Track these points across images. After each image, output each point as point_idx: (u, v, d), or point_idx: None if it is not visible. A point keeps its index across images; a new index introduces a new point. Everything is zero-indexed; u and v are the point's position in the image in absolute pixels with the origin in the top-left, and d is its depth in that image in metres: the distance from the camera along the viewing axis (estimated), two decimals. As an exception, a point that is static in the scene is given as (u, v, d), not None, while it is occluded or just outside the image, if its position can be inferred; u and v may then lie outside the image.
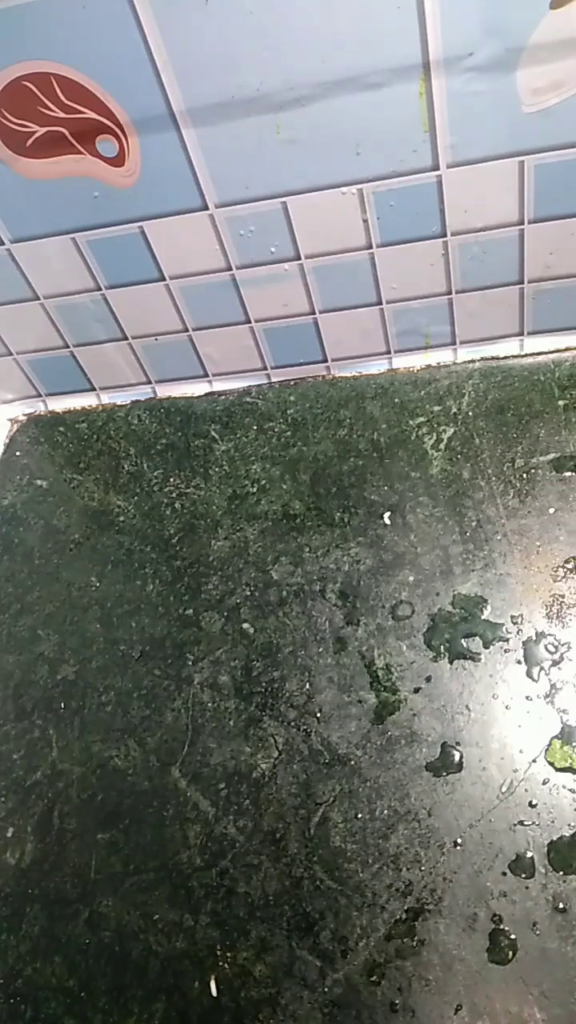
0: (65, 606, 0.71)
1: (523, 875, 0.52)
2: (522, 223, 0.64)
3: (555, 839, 0.52)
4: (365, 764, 0.57)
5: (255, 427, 0.77)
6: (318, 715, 0.60)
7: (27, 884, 0.59)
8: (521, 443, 0.69)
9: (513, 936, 0.50)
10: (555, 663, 0.58)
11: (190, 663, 0.65)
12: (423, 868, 0.53)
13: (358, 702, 0.60)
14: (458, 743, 0.57)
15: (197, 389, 0.83)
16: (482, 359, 0.75)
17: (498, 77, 0.54)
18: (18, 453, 0.84)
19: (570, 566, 0.62)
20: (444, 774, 0.56)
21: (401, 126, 0.57)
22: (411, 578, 0.64)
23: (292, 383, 0.80)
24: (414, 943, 0.51)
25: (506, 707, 0.57)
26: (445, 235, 0.65)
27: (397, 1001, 0.50)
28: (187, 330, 0.76)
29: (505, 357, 0.75)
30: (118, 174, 0.61)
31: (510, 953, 0.50)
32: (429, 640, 0.61)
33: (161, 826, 0.59)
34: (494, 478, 0.68)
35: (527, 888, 0.51)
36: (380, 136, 0.57)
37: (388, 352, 0.77)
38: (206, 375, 0.81)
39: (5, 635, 0.71)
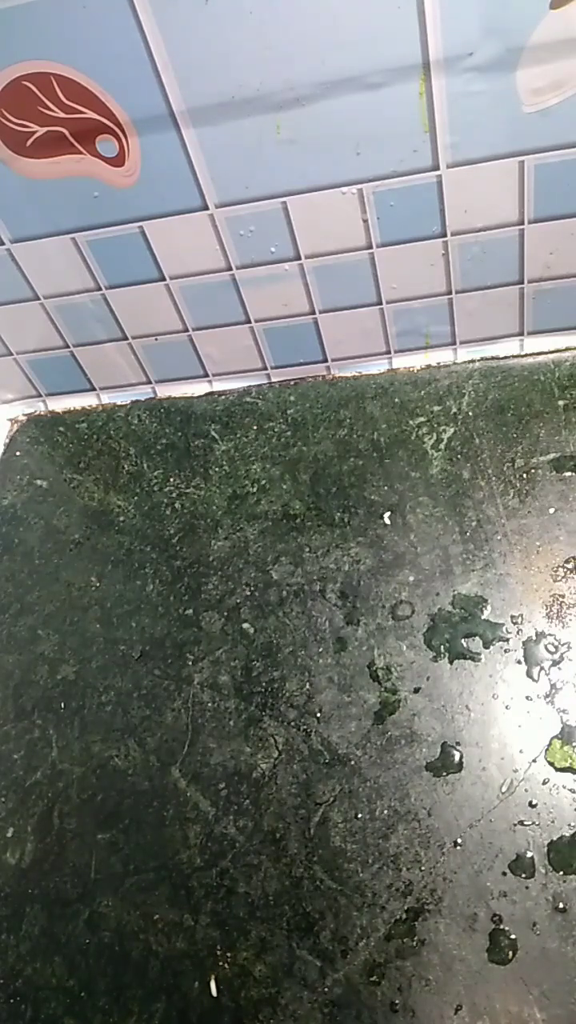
0: (65, 606, 0.71)
1: (523, 875, 0.52)
2: (522, 223, 0.64)
3: (555, 839, 0.52)
4: (365, 764, 0.57)
5: (255, 427, 0.77)
6: (318, 715, 0.60)
7: (27, 884, 0.59)
8: (521, 443, 0.69)
9: (513, 936, 0.50)
10: (555, 663, 0.58)
11: (190, 663, 0.65)
12: (423, 868, 0.53)
13: (358, 702, 0.60)
14: (458, 743, 0.57)
15: (197, 389, 0.83)
16: (482, 359, 0.75)
17: (498, 77, 0.54)
18: (18, 453, 0.84)
19: (570, 566, 0.62)
20: (444, 774, 0.56)
21: (401, 126, 0.57)
22: (411, 578, 0.64)
23: (292, 383, 0.80)
24: (414, 943, 0.51)
25: (506, 707, 0.57)
26: (445, 235, 0.65)
27: (397, 1001, 0.50)
28: (187, 330, 0.76)
29: (505, 357, 0.75)
30: (118, 174, 0.61)
31: (510, 953, 0.50)
32: (429, 640, 0.61)
33: (161, 826, 0.59)
34: (494, 478, 0.68)
35: (527, 888, 0.51)
36: (380, 136, 0.57)
37: (388, 352, 0.77)
38: (206, 375, 0.81)
39: (5, 635, 0.71)
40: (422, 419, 0.73)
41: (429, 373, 0.76)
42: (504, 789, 0.54)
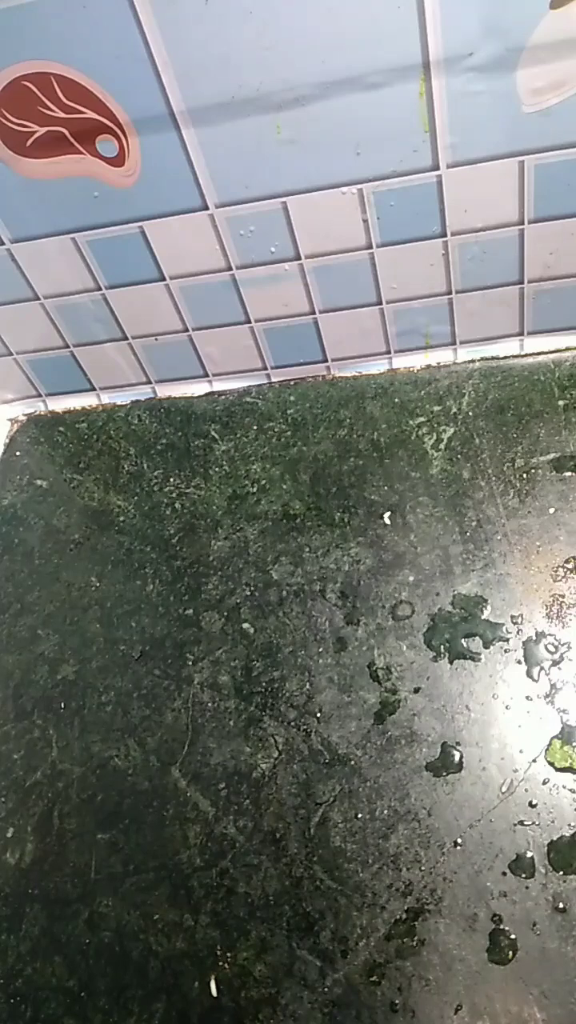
0: (65, 606, 0.71)
1: (523, 875, 0.52)
2: (522, 223, 0.64)
3: (555, 839, 0.52)
4: (365, 764, 0.57)
5: (255, 427, 0.77)
6: (318, 715, 0.60)
7: (27, 884, 0.59)
8: (521, 443, 0.69)
9: (513, 936, 0.50)
10: (555, 663, 0.58)
11: (190, 663, 0.65)
12: (423, 868, 0.53)
13: (358, 702, 0.60)
14: (458, 743, 0.57)
15: (197, 389, 0.83)
16: (482, 359, 0.75)
17: (498, 77, 0.53)
18: (18, 453, 0.84)
19: (570, 566, 0.62)
20: (444, 774, 0.56)
21: (401, 126, 0.57)
22: (411, 578, 0.64)
23: (292, 383, 0.80)
24: (414, 943, 0.51)
25: (506, 707, 0.57)
26: (445, 235, 0.65)
27: (397, 1001, 0.50)
28: (187, 330, 0.76)
29: (505, 357, 0.75)
30: (118, 174, 0.61)
31: (510, 953, 0.50)
32: (429, 640, 0.61)
33: (161, 826, 0.59)
34: (494, 478, 0.68)
35: (527, 888, 0.51)
36: (380, 136, 0.57)
37: (388, 352, 0.77)
38: (206, 375, 0.81)
39: (5, 635, 0.71)
40: (422, 419, 0.73)
41: (429, 373, 0.76)
42: (504, 789, 0.54)
